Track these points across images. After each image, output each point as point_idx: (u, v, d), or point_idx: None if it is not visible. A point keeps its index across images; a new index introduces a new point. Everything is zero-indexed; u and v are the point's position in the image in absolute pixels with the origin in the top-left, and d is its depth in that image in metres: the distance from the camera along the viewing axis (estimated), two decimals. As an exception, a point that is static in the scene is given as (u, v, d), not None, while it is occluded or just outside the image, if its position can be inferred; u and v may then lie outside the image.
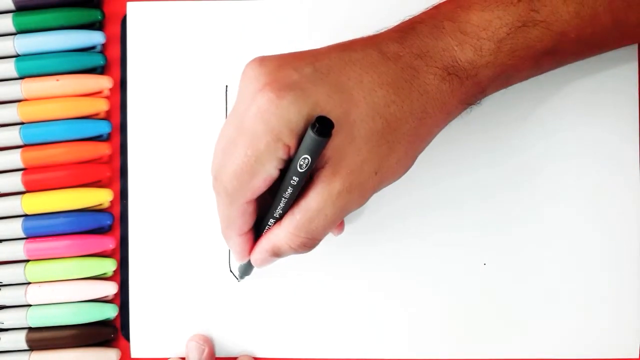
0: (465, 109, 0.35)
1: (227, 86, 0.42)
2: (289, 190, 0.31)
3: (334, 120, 0.29)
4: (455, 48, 0.33)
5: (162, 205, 0.42)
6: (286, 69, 0.31)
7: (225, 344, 0.42)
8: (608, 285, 0.40)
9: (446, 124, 0.35)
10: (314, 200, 0.31)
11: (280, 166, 0.31)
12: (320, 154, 0.30)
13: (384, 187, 0.34)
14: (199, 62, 0.43)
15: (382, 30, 0.34)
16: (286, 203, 0.32)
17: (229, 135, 0.32)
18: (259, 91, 0.30)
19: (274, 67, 0.31)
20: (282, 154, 0.30)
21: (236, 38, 0.42)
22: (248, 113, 0.31)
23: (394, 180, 0.34)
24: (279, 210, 0.33)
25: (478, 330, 0.40)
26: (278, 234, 0.33)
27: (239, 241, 0.35)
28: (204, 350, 0.41)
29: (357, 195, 0.32)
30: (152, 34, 0.43)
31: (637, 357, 0.40)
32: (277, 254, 0.34)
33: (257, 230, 0.35)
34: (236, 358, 0.41)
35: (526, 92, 0.41)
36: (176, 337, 0.42)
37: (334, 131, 0.29)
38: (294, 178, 0.31)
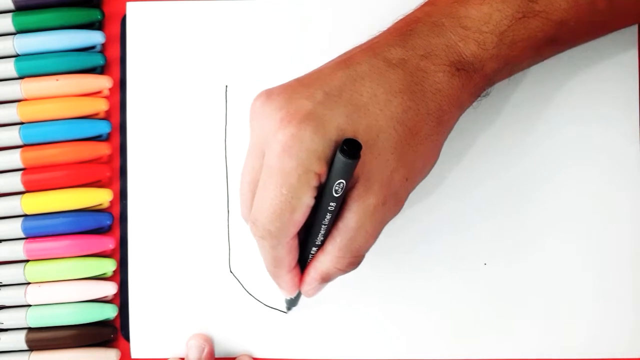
0: (475, 100, 0.35)
1: (226, 86, 0.42)
2: (327, 216, 0.31)
3: (360, 139, 0.29)
4: (459, 44, 0.33)
5: (162, 205, 0.42)
6: (298, 100, 0.31)
7: (225, 344, 0.42)
8: (609, 285, 0.40)
9: (460, 116, 0.35)
10: (352, 219, 0.31)
11: (315, 194, 0.31)
12: (352, 174, 0.30)
13: (415, 187, 0.34)
14: (198, 62, 0.43)
15: (378, 34, 0.34)
16: (326, 229, 0.32)
17: (255, 179, 0.32)
18: (278, 129, 0.30)
19: (284, 100, 0.31)
20: (315, 183, 0.30)
21: (236, 38, 0.42)
22: (271, 153, 0.30)
23: (423, 179, 0.34)
24: (320, 238, 0.33)
25: (478, 330, 0.40)
26: (324, 261, 0.33)
27: (288, 278, 0.35)
28: (204, 349, 0.41)
29: (392, 205, 0.32)
30: (152, 34, 0.43)
31: (638, 357, 0.40)
32: (326, 279, 0.34)
33: (301, 260, 0.35)
34: (235, 358, 0.41)
35: (524, 95, 0.41)
36: (176, 337, 0.42)
37: (366, 156, 0.30)
38: (331, 204, 0.31)
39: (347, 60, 0.32)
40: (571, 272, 0.40)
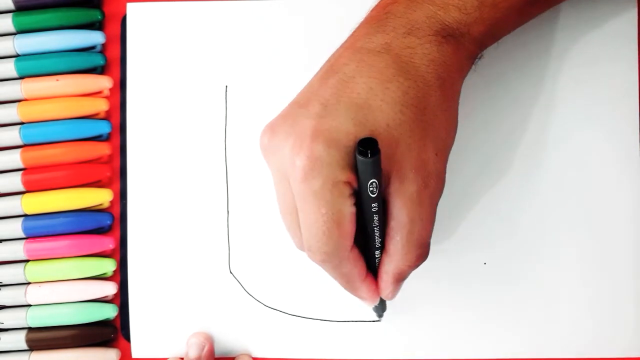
0: (473, 63, 0.35)
1: (226, 86, 0.42)
2: (375, 218, 0.31)
3: (373, 136, 0.29)
4: (439, 12, 0.32)
5: (161, 206, 0.42)
6: (300, 122, 0.31)
7: (225, 344, 0.42)
8: (610, 284, 0.40)
9: (463, 79, 0.34)
10: (402, 214, 0.31)
11: (353, 201, 0.31)
12: (381, 171, 0.30)
13: (448, 157, 0.33)
14: (198, 62, 0.43)
15: (356, 28, 0.34)
16: (379, 230, 0.32)
17: (293, 210, 0.32)
18: (293, 157, 0.30)
19: (288, 127, 0.31)
20: (348, 191, 0.30)
21: (236, 38, 0.42)
22: (296, 180, 0.30)
23: (452, 145, 0.34)
24: (377, 240, 0.33)
25: (478, 329, 0.40)
26: (391, 262, 0.33)
27: (364, 288, 0.34)
28: (204, 348, 0.41)
29: (434, 184, 0.32)
30: (152, 34, 0.43)
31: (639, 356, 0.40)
32: (401, 279, 0.34)
33: (370, 267, 0.35)
34: (235, 358, 0.41)
35: (520, 88, 0.41)
36: (176, 336, 0.42)
37: (386, 150, 0.29)
38: (372, 205, 0.31)
39: (333, 66, 0.32)
40: (571, 272, 0.40)
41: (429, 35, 0.32)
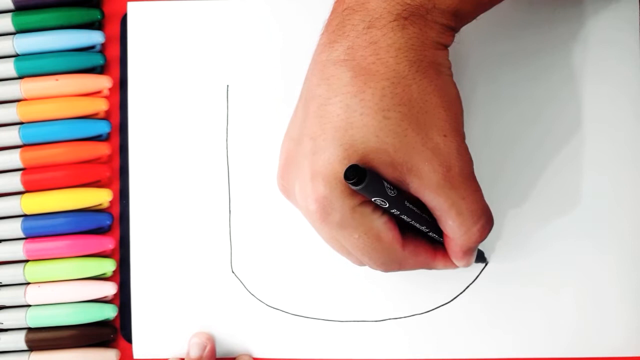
0: (452, 35, 0.32)
1: (228, 86, 0.42)
2: (407, 218, 0.32)
3: (367, 153, 0.29)
4: None
5: (163, 205, 0.42)
6: (299, 163, 0.31)
7: (226, 344, 0.42)
8: (611, 283, 0.40)
9: (446, 49, 0.32)
10: (440, 202, 0.31)
11: (381, 212, 0.31)
12: (381, 185, 0.30)
13: (462, 129, 0.32)
14: (200, 61, 0.42)
15: (318, 41, 0.33)
16: (421, 224, 0.33)
17: (333, 240, 0.33)
18: (304, 203, 0.31)
19: (287, 175, 0.32)
20: (369, 209, 0.31)
21: (238, 38, 0.42)
22: (316, 224, 0.32)
23: (462, 117, 0.32)
24: (427, 232, 0.33)
25: (479, 329, 0.40)
26: (457, 244, 0.33)
27: (440, 263, 0.35)
28: (205, 348, 0.41)
29: (456, 161, 0.31)
30: (153, 33, 0.43)
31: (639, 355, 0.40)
32: (470, 252, 0.34)
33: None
34: (235, 358, 0.41)
35: (527, 93, 0.41)
36: (178, 337, 0.42)
37: (385, 159, 0.29)
38: (393, 211, 0.31)
39: (307, 92, 0.32)
40: (572, 272, 0.40)
41: (390, 22, 0.30)
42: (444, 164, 0.30)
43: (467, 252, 0.34)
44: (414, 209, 0.32)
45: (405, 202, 0.31)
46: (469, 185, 0.31)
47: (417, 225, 0.33)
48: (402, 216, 0.32)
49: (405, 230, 0.33)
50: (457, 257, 0.34)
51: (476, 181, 0.32)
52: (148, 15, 0.43)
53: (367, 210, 0.31)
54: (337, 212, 0.30)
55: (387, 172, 0.30)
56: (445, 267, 0.35)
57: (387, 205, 0.30)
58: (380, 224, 0.31)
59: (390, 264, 0.33)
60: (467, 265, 0.35)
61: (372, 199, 0.30)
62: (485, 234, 0.33)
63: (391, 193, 0.30)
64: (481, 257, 0.40)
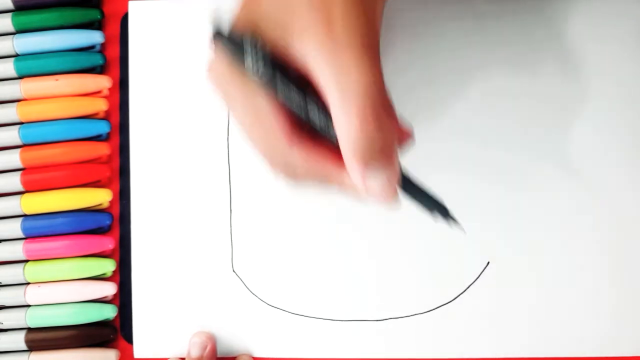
0: None
1: (227, 86, 0.42)
2: (282, 97, 0.28)
3: (254, 17, 0.28)
4: None
5: (164, 205, 0.42)
6: None
7: (227, 343, 0.42)
8: (613, 282, 0.40)
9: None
10: (322, 69, 0.26)
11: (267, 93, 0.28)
12: (242, 47, 0.28)
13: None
14: (201, 61, 0.42)
15: None
16: (301, 112, 0.28)
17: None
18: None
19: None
20: (255, 84, 0.28)
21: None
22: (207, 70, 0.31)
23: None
24: (303, 116, 0.28)
25: (479, 329, 0.40)
26: (340, 139, 0.26)
27: (305, 155, 0.28)
28: (206, 347, 0.40)
29: (341, 16, 0.25)
30: (154, 33, 0.43)
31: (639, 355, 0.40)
32: (364, 160, 0.26)
33: None
34: (235, 358, 0.41)
35: (522, 86, 0.41)
36: (179, 336, 0.42)
37: (271, 19, 0.27)
38: (278, 92, 0.28)
39: None
40: (574, 271, 0.40)
41: None
42: (326, 16, 0.25)
43: (358, 158, 0.25)
44: (290, 83, 0.27)
45: (279, 74, 0.27)
46: (360, 56, 0.25)
47: (294, 108, 0.27)
48: (280, 94, 0.27)
49: (314, 134, 0.28)
50: (348, 163, 0.26)
51: (377, 59, 0.26)
52: (149, 14, 0.43)
53: (251, 80, 0.28)
54: (218, 66, 0.29)
55: (275, 35, 0.27)
56: (351, 188, 0.28)
57: (259, 74, 0.27)
58: (262, 101, 0.27)
59: (276, 158, 0.28)
60: (375, 190, 0.27)
61: (239, 63, 0.28)
62: (372, 133, 0.25)
63: (255, 56, 0.26)
64: (442, 210, 0.31)
